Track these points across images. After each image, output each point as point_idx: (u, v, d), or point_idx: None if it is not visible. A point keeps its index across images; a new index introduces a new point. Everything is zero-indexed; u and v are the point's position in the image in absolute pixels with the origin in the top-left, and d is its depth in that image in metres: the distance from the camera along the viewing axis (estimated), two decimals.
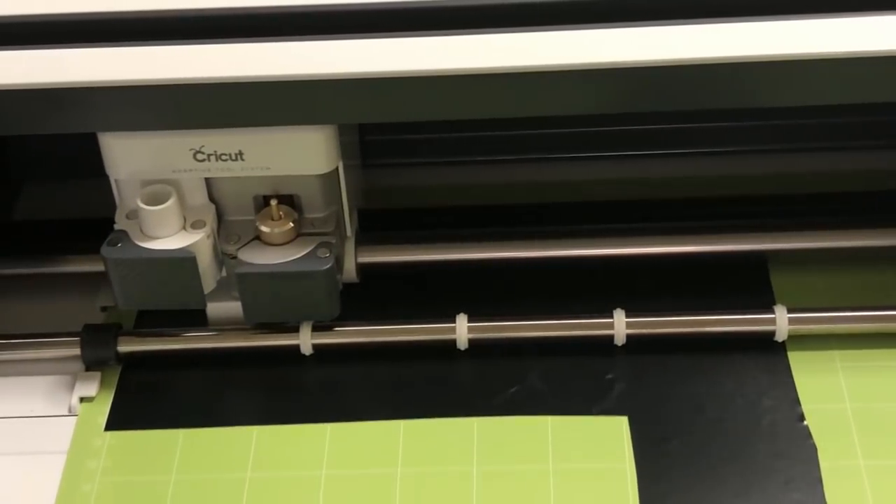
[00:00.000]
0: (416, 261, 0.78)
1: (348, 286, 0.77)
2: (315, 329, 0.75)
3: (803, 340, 0.74)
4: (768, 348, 0.74)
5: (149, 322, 0.78)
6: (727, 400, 0.71)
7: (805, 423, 0.70)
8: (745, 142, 0.88)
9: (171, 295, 0.72)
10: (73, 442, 0.72)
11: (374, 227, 0.79)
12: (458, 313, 0.75)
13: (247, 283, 0.71)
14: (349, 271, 0.76)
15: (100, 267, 0.79)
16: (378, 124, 0.79)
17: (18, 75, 0.63)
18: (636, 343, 0.74)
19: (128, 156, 0.69)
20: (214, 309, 0.76)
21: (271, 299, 0.72)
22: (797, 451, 0.69)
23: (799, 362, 0.74)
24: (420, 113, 0.65)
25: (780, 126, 0.87)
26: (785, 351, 0.74)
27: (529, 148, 0.88)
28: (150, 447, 0.71)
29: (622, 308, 0.75)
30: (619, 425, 0.70)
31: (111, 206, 0.76)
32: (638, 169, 0.88)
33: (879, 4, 0.63)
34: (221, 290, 0.74)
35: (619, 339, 0.74)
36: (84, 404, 0.74)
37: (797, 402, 0.71)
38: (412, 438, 0.70)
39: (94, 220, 0.83)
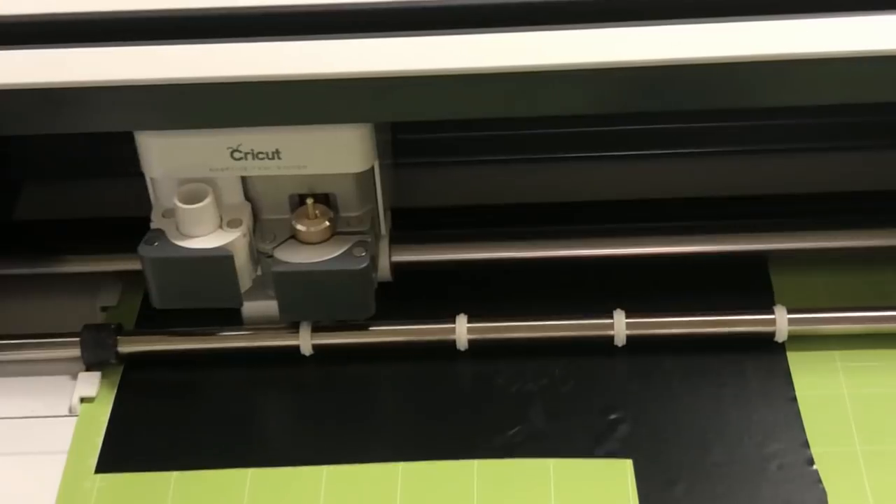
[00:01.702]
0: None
1: None
2: (315, 329, 0.75)
3: (803, 340, 0.74)
4: (768, 349, 0.74)
5: (149, 322, 0.78)
6: (734, 440, 0.70)
7: (814, 467, 0.68)
8: (746, 142, 0.88)
9: (207, 293, 0.72)
10: (73, 442, 0.72)
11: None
12: (458, 314, 0.75)
13: (283, 282, 0.71)
14: (384, 270, 0.76)
15: (100, 267, 0.80)
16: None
17: (40, 74, 0.63)
18: (636, 344, 0.74)
19: (164, 155, 0.69)
20: (250, 308, 0.76)
21: (307, 298, 0.72)
22: (806, 496, 0.67)
23: (799, 363, 0.73)
24: (426, 112, 0.65)
25: (780, 126, 0.87)
26: (785, 351, 0.74)
27: (529, 148, 0.88)
28: (141, 491, 0.69)
29: (622, 308, 0.75)
30: (624, 469, 0.69)
31: (111, 205, 0.77)
32: (638, 169, 0.88)
33: (879, 4, 0.63)
34: (256, 289, 0.74)
35: (620, 340, 0.74)
36: (84, 405, 0.74)
37: (806, 444, 0.69)
38: (411, 481, 0.69)
39: (94, 220, 0.84)
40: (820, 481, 0.67)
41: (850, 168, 0.86)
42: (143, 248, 0.70)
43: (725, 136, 0.88)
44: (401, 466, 0.69)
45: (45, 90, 0.63)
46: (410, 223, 0.80)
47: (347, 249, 0.71)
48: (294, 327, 0.75)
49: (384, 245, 0.76)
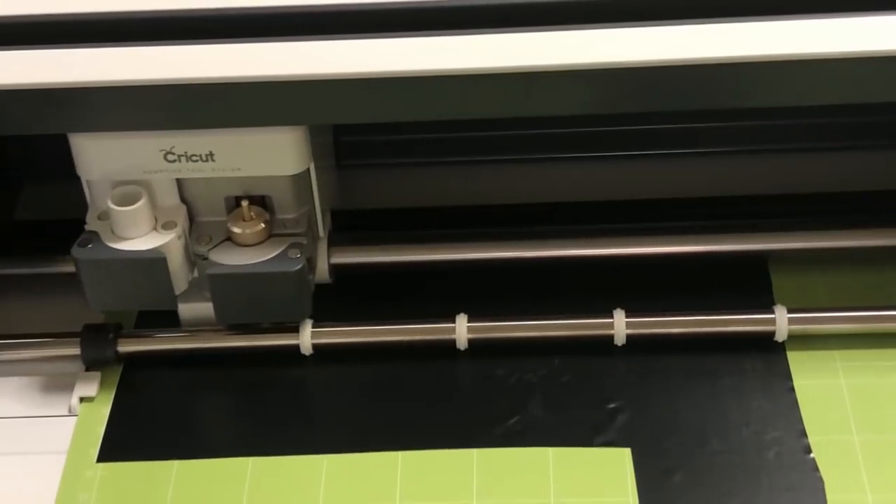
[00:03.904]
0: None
1: (352, 285, 0.77)
2: (315, 329, 0.75)
3: (803, 340, 0.74)
4: (768, 348, 0.74)
5: (149, 322, 0.78)
6: (732, 429, 0.70)
7: (811, 455, 0.68)
8: (745, 142, 0.88)
9: (141, 296, 0.72)
10: (72, 442, 0.72)
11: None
12: (458, 313, 0.75)
13: (218, 284, 0.71)
14: (322, 272, 0.76)
15: None
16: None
17: (39, 74, 0.64)
18: (636, 343, 0.74)
19: (98, 156, 0.69)
20: (186, 310, 0.76)
21: (242, 300, 0.72)
22: (804, 484, 0.67)
23: (799, 362, 0.73)
24: (414, 113, 0.65)
25: (780, 126, 0.87)
26: (785, 351, 0.74)
27: (530, 148, 0.88)
28: (142, 480, 0.69)
29: (622, 308, 0.75)
30: (622, 457, 0.69)
31: None
32: (638, 169, 0.88)
33: (879, 4, 0.63)
34: (194, 291, 0.74)
35: (620, 340, 0.74)
36: (84, 404, 0.74)
37: (804, 433, 0.69)
38: (410, 471, 0.69)
39: None
40: (817, 469, 0.68)
41: (850, 168, 0.86)
42: (76, 250, 0.70)
43: (725, 136, 0.88)
44: (400, 455, 0.69)
45: (45, 90, 0.63)
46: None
47: (282, 251, 0.71)
48: (294, 327, 0.75)
49: (322, 247, 0.76)
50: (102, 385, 0.75)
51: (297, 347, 0.75)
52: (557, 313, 0.75)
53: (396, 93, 0.64)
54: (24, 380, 0.76)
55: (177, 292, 0.73)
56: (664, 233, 0.78)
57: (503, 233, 0.79)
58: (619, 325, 0.74)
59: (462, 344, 0.75)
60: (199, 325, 0.76)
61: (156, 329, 0.77)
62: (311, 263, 0.74)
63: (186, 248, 0.72)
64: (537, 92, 0.63)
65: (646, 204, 0.83)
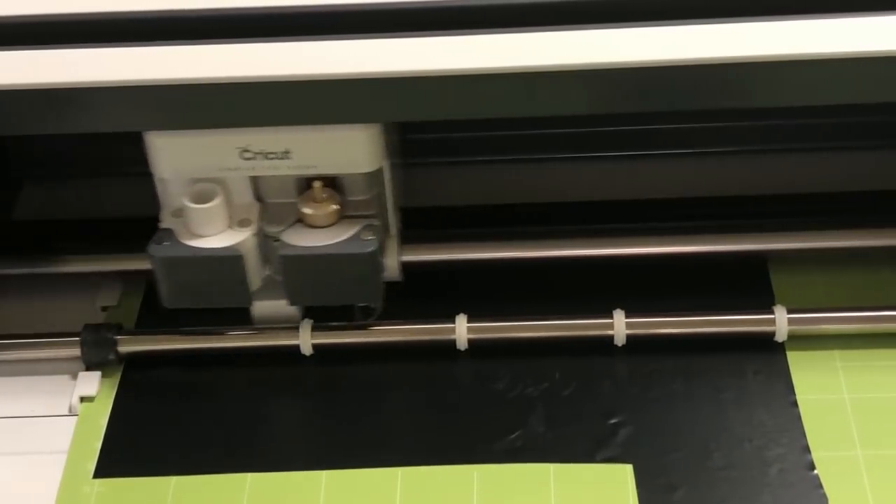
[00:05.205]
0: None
1: None
2: (315, 329, 0.75)
3: (803, 340, 0.74)
4: (768, 348, 0.74)
5: (149, 322, 0.78)
6: (735, 445, 0.69)
7: (815, 471, 0.68)
8: (746, 142, 0.88)
9: (217, 293, 0.72)
10: (72, 442, 0.72)
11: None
12: (458, 313, 0.75)
13: (290, 265, 0.71)
14: (392, 269, 0.76)
15: (100, 267, 0.80)
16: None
17: (40, 74, 0.63)
18: (636, 344, 0.74)
19: (174, 155, 0.69)
20: (259, 307, 0.75)
21: (314, 282, 0.71)
22: (807, 501, 0.67)
23: (799, 362, 0.73)
24: (412, 113, 0.65)
25: (780, 126, 0.87)
26: (784, 351, 0.74)
27: (530, 148, 0.88)
28: (140, 496, 0.69)
29: (622, 308, 0.75)
30: (624, 474, 0.69)
31: (111, 205, 0.76)
32: (638, 169, 0.88)
33: (879, 4, 0.63)
34: (266, 289, 0.74)
35: (619, 340, 0.74)
36: (84, 404, 0.74)
37: (807, 448, 0.69)
38: (410, 487, 0.68)
39: (94, 220, 0.83)
40: (821, 486, 0.67)
41: (850, 168, 0.86)
42: (152, 248, 0.70)
43: (725, 136, 0.88)
44: (400, 471, 0.69)
45: (45, 90, 0.63)
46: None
47: (355, 233, 0.71)
48: (294, 327, 0.75)
49: (394, 244, 0.76)
50: (103, 385, 0.75)
51: (297, 348, 0.75)
52: (557, 313, 0.75)
53: (394, 93, 0.64)
54: (24, 380, 0.76)
55: (251, 290, 0.72)
56: (664, 233, 0.78)
57: (503, 233, 0.79)
58: (619, 326, 0.74)
59: (462, 344, 0.75)
60: (271, 323, 0.76)
61: (156, 329, 0.77)
62: (381, 247, 0.73)
63: (261, 246, 0.72)
64: (537, 92, 0.63)
65: (646, 204, 0.83)
